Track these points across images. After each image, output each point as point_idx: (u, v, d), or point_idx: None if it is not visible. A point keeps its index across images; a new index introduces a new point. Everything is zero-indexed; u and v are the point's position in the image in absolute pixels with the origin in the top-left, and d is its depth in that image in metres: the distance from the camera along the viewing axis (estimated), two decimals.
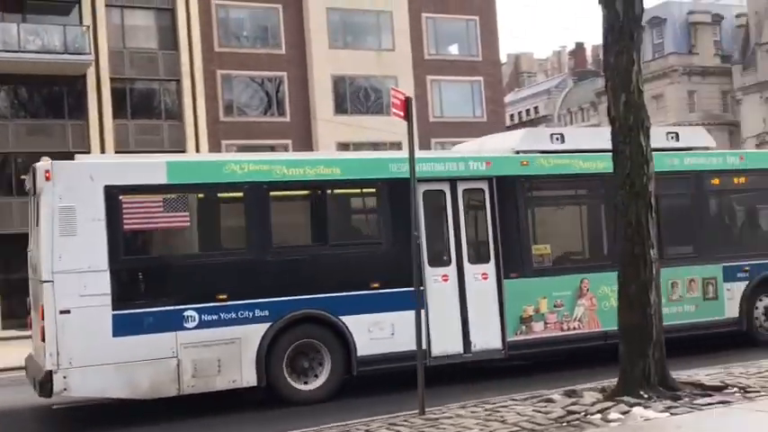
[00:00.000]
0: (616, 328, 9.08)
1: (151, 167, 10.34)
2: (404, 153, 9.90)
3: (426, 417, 8.36)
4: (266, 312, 10.21)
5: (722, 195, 13.57)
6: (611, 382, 8.81)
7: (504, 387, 10.09)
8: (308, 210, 11.44)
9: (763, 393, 8.21)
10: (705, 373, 9.53)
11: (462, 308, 11.30)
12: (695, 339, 12.51)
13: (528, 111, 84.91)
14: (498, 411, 8.33)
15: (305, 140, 35.74)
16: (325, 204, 11.08)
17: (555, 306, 11.71)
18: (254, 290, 10.23)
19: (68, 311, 9.39)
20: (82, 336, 9.41)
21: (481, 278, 11.46)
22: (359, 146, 37.00)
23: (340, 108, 36.92)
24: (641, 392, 8.20)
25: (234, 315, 10.08)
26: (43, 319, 9.41)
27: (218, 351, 9.95)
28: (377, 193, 11.35)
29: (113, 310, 9.56)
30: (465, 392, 9.84)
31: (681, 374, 9.23)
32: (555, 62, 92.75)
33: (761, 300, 13.15)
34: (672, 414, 7.57)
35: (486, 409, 8.49)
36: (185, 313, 9.85)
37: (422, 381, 8.57)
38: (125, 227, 9.82)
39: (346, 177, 11.09)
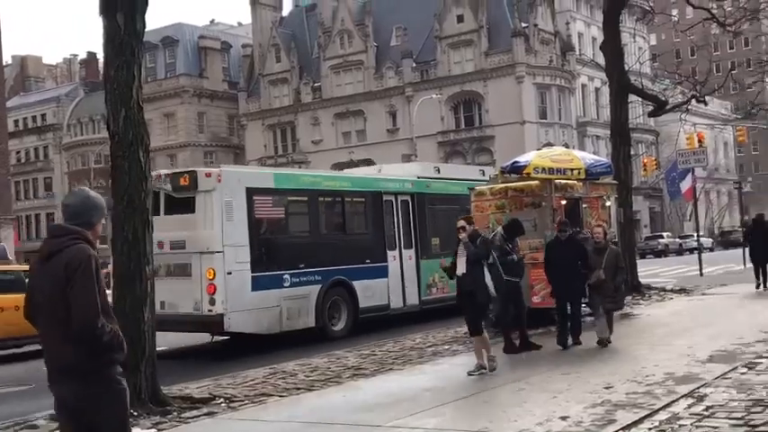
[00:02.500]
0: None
1: (266, 176, 15.39)
2: (382, 174, 18.38)
3: None
4: (320, 277, 14.77)
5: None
6: None
7: None
8: (335, 208, 16.34)
9: (246, 402, 8.72)
10: (196, 386, 9.82)
11: (402, 278, 16.76)
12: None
13: (35, 117, 79.96)
14: None
15: None
16: (343, 205, 16.28)
17: (440, 278, 16.44)
18: (315, 262, 14.78)
19: (231, 273, 13.26)
20: (237, 290, 13.33)
21: (409, 259, 16.97)
22: None
23: None
24: (131, 410, 8.11)
25: (306, 279, 14.50)
26: (213, 278, 13.07)
27: (299, 302, 14.25)
28: (365, 200, 16.73)
29: (252, 272, 13.60)
30: None
31: (172, 388, 9.38)
32: (65, 69, 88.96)
33: None
34: (159, 430, 7.63)
35: None
36: (284, 276, 14.10)
37: None
38: (255, 216, 13.93)
39: (352, 189, 16.54)
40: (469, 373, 9.46)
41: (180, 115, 68.01)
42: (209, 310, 13.07)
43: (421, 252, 17.25)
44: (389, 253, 16.64)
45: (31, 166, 79.53)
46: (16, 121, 76.58)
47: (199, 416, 8.14)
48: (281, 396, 9.03)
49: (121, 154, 8.85)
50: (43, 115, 79.49)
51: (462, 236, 9.78)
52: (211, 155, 69.27)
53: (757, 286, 19.18)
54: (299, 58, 64.64)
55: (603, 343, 11.10)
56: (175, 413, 8.24)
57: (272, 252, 14.13)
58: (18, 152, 75.87)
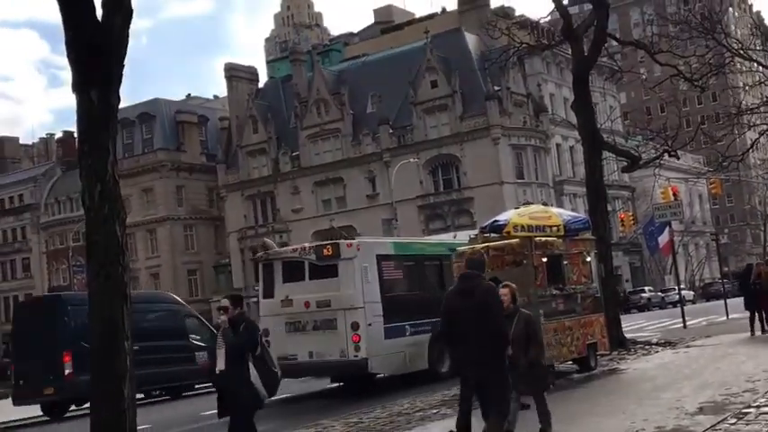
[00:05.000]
0: None
1: (387, 245, 18.53)
2: (458, 239, 19.12)
3: None
4: (429, 327, 16.31)
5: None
6: None
7: None
8: (436, 269, 18.35)
9: None
10: None
11: None
12: None
13: (11, 198, 79.68)
14: None
15: None
16: (441, 266, 17.90)
17: None
18: (424, 313, 16.26)
19: (371, 324, 15.87)
20: (376, 339, 15.93)
21: None
22: None
23: None
24: None
25: (420, 328, 16.66)
26: (357, 329, 15.64)
27: (416, 348, 16.61)
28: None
29: (384, 324, 16.21)
30: None
31: None
32: (42, 149, 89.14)
33: None
34: None
35: None
36: (406, 326, 16.57)
37: None
38: (383, 277, 16.61)
39: (446, 252, 17.43)
40: None
41: (158, 190, 67.98)
42: (355, 356, 15.65)
43: None
44: None
45: (9, 248, 78.86)
46: None
47: None
48: None
49: (97, 229, 8.77)
50: (20, 195, 79.20)
51: (222, 319, 7.78)
52: (191, 228, 69.07)
53: (752, 333, 19.12)
54: (277, 129, 65.08)
55: None
56: None
57: (396, 306, 16.61)
58: None
